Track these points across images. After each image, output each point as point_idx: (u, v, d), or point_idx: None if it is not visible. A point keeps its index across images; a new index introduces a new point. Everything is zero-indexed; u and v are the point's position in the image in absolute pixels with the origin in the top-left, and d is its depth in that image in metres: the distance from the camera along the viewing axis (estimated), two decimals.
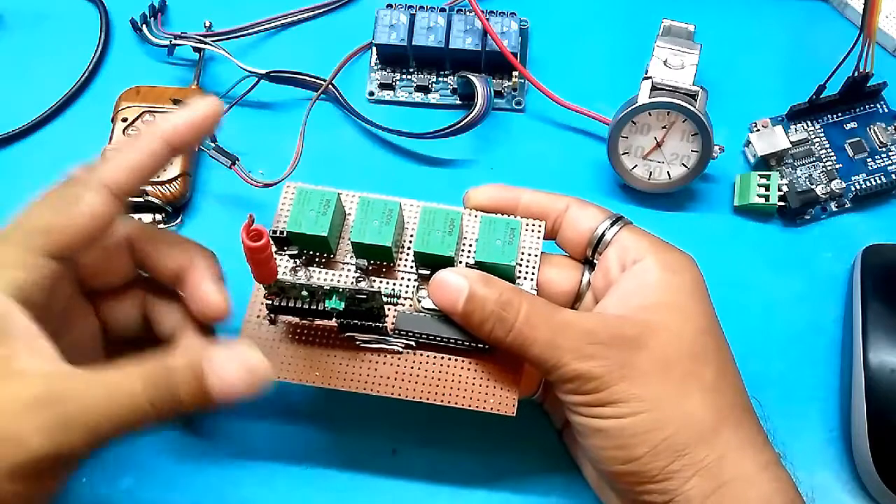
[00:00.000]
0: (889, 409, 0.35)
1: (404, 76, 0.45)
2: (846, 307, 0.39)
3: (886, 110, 0.43)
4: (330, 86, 0.43)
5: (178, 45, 0.44)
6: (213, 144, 0.40)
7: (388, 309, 0.32)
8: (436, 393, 0.32)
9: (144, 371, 0.25)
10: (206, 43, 0.43)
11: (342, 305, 0.29)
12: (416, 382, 0.32)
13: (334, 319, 0.31)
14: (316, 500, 0.36)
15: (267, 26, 0.45)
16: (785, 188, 0.41)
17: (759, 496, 0.28)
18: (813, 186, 0.41)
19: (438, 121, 0.42)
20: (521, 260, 0.33)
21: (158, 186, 0.40)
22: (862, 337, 0.36)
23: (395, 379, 0.32)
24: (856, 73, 0.40)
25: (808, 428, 0.37)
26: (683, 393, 0.29)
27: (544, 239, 0.34)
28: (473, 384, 0.32)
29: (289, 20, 0.46)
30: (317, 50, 0.45)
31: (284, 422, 0.37)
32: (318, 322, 0.32)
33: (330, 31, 0.46)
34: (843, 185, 0.41)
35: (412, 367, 0.32)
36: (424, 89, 0.44)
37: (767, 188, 0.40)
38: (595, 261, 0.33)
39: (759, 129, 0.42)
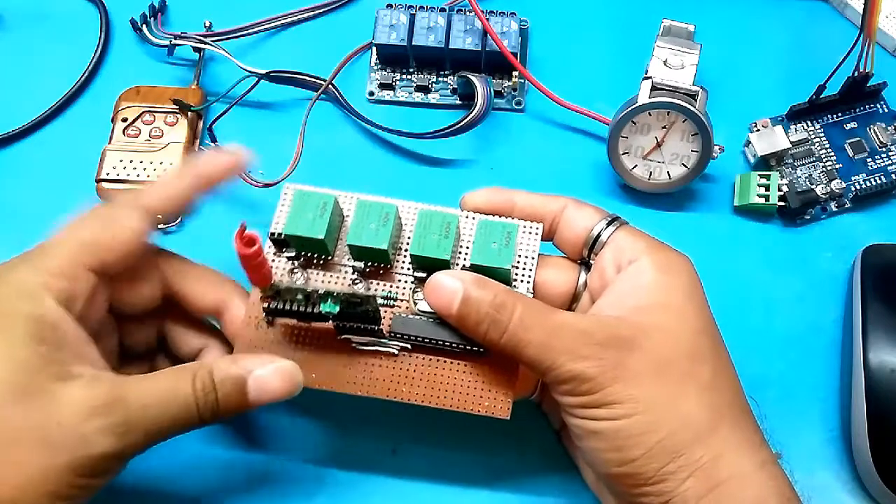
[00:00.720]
0: (889, 409, 0.35)
1: (404, 76, 0.45)
2: (846, 307, 0.39)
3: (886, 110, 0.43)
4: (330, 86, 0.43)
5: (178, 45, 0.44)
6: (213, 145, 0.40)
7: (385, 311, 0.32)
8: (431, 396, 0.32)
9: (194, 379, 0.28)
10: (206, 43, 0.43)
11: (337, 309, 0.29)
12: (412, 385, 0.32)
13: (330, 322, 0.31)
14: (316, 499, 0.36)
15: (267, 26, 0.45)
16: (785, 188, 0.41)
17: (756, 495, 0.28)
18: (813, 186, 0.41)
19: (438, 121, 0.42)
20: (518, 263, 0.33)
21: None
22: (862, 337, 0.36)
23: (391, 381, 0.32)
24: (856, 73, 0.40)
25: (808, 428, 0.38)
26: (679, 393, 0.29)
27: (542, 240, 0.34)
28: (468, 387, 0.32)
29: (289, 20, 0.46)
30: (317, 50, 0.45)
31: (284, 422, 0.37)
32: (314, 325, 0.32)
33: (330, 31, 0.46)
34: (843, 185, 0.41)
35: (407, 370, 0.32)
36: (424, 89, 0.44)
37: (767, 188, 0.40)
38: (591, 261, 0.33)
39: (759, 129, 0.42)
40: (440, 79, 0.44)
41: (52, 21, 0.46)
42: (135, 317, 0.33)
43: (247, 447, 0.37)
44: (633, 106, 0.39)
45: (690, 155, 0.40)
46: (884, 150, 0.42)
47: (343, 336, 0.32)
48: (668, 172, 0.41)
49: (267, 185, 0.39)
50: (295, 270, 0.32)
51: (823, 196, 0.41)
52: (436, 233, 0.31)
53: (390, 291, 0.32)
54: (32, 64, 0.45)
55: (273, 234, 0.32)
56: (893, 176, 0.41)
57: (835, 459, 0.37)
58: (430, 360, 0.32)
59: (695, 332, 0.30)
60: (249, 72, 0.42)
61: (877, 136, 0.42)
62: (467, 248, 0.32)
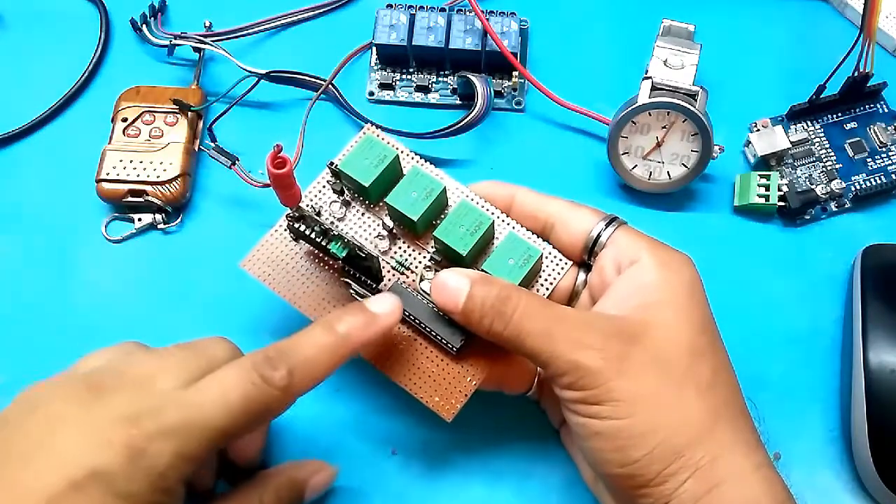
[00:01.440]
0: (889, 409, 0.35)
1: (404, 76, 0.45)
2: (846, 307, 0.39)
3: (886, 110, 0.43)
4: (330, 86, 0.43)
5: (178, 45, 0.44)
6: (213, 145, 0.40)
7: (390, 274, 0.34)
8: (394, 368, 0.33)
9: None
10: (206, 43, 0.43)
11: (343, 254, 0.31)
12: (382, 351, 0.33)
13: (339, 263, 0.33)
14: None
15: (267, 26, 0.45)
16: (785, 188, 0.41)
17: (752, 497, 0.28)
18: (813, 186, 0.41)
19: (438, 121, 0.42)
20: (534, 286, 0.34)
21: (159, 186, 0.40)
22: (862, 337, 0.36)
23: None
24: (856, 73, 0.40)
25: (808, 428, 0.37)
26: (680, 392, 0.29)
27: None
28: (429, 377, 0.33)
29: (289, 20, 0.46)
30: (317, 50, 0.45)
31: (284, 421, 0.37)
32: (326, 259, 0.34)
33: (330, 31, 0.46)
34: (843, 185, 0.41)
35: (386, 337, 0.33)
36: (424, 89, 0.44)
37: (767, 188, 0.40)
38: (591, 262, 0.33)
39: (759, 129, 0.42)
40: (440, 79, 0.44)
41: (52, 21, 0.46)
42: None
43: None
44: (633, 106, 0.39)
45: (690, 155, 0.40)
46: (884, 150, 0.42)
47: (344, 279, 0.33)
48: (668, 172, 0.41)
49: (267, 186, 0.39)
50: (336, 202, 0.35)
51: (823, 196, 0.41)
52: (465, 226, 0.33)
53: (406, 259, 0.34)
54: (32, 64, 0.45)
55: (332, 163, 0.34)
56: (893, 176, 0.41)
57: (835, 459, 0.37)
58: (409, 336, 0.33)
59: (697, 330, 0.30)
60: (249, 72, 0.42)
61: (877, 136, 0.42)
62: (492, 251, 0.33)
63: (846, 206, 0.42)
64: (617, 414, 0.28)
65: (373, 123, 0.40)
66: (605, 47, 0.46)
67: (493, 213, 0.35)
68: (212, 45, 0.43)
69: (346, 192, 0.35)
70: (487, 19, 0.42)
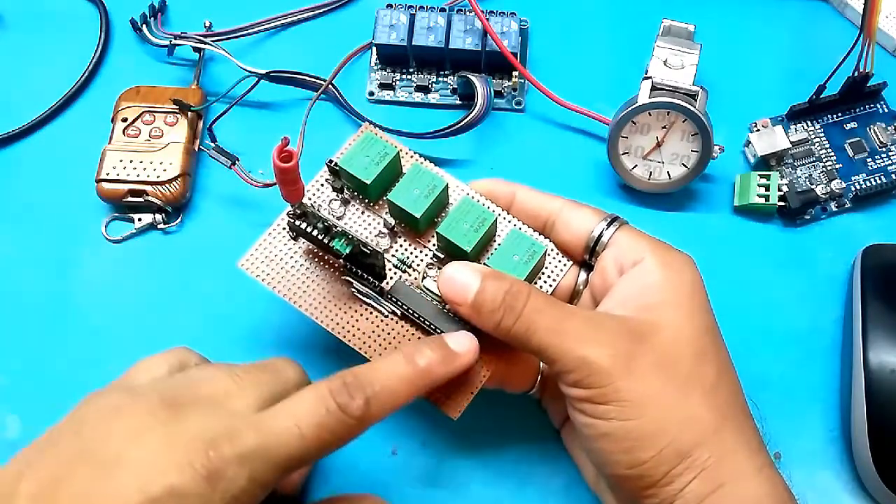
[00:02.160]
0: (889, 409, 0.35)
1: (404, 76, 0.45)
2: (846, 307, 0.39)
3: (886, 110, 0.43)
4: (330, 86, 0.43)
5: (178, 45, 0.44)
6: (213, 145, 0.40)
7: (392, 272, 0.33)
8: None
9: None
10: (206, 43, 0.43)
11: (347, 251, 0.31)
12: (386, 348, 0.33)
13: (341, 261, 0.33)
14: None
15: (267, 26, 0.45)
16: (785, 188, 0.41)
17: (755, 497, 0.28)
18: (813, 186, 0.41)
19: (438, 121, 0.42)
20: (536, 283, 0.34)
21: (158, 186, 0.40)
22: (862, 337, 0.36)
23: (369, 337, 0.33)
24: (856, 73, 0.40)
25: (808, 428, 0.37)
26: (686, 393, 0.29)
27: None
28: None
29: (289, 20, 0.46)
30: (317, 50, 0.45)
31: None
32: (327, 257, 0.34)
33: (330, 31, 0.46)
34: (843, 185, 0.41)
35: (388, 334, 0.33)
36: (424, 89, 0.44)
37: (767, 188, 0.40)
38: (591, 262, 0.33)
39: (759, 129, 0.42)
40: (440, 79, 0.44)
41: (52, 21, 0.46)
42: None
43: None
44: (633, 106, 0.39)
45: (690, 155, 0.40)
46: (884, 150, 0.42)
47: (346, 278, 0.33)
48: (668, 172, 0.41)
49: (267, 186, 0.39)
50: (336, 200, 0.34)
51: (823, 196, 0.41)
52: (469, 223, 0.33)
53: (408, 258, 0.34)
54: (32, 64, 0.45)
55: (331, 161, 0.34)
56: (893, 176, 0.41)
57: (835, 459, 0.37)
58: (413, 334, 0.33)
59: (700, 331, 0.30)
60: (249, 72, 0.42)
61: (877, 136, 0.42)
62: (495, 248, 0.34)
63: (846, 206, 0.42)
64: (625, 415, 0.28)
65: (372, 123, 0.40)
66: (605, 47, 0.46)
67: (494, 211, 0.35)
68: (212, 45, 0.43)
69: (346, 190, 0.35)
70: (487, 19, 0.42)
